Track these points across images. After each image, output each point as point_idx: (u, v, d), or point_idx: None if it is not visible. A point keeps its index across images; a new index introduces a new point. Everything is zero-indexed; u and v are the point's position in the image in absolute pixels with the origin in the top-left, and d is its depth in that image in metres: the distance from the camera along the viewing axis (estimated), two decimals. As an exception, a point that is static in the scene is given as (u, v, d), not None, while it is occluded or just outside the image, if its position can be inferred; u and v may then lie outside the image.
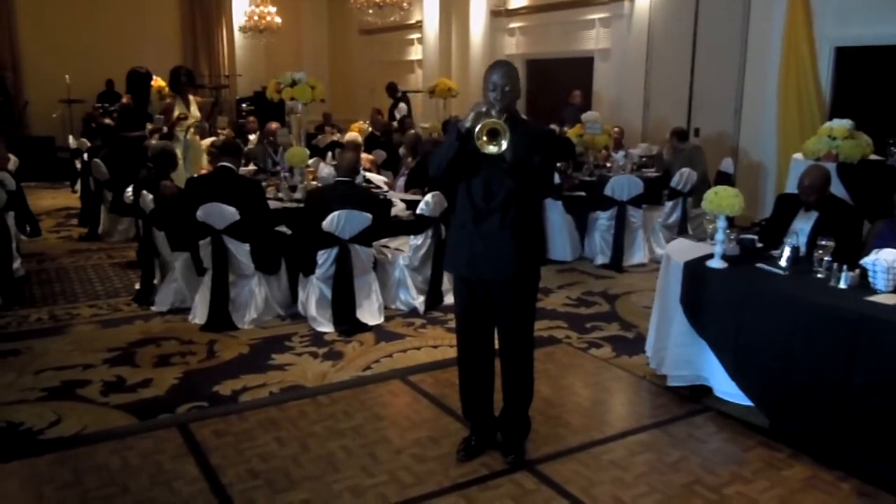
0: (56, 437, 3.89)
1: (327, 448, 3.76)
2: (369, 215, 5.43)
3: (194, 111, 7.95)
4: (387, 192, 7.04)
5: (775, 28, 8.49)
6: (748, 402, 3.96)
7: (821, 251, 3.91)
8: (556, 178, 7.34)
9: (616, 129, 9.25)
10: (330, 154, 9.72)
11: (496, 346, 3.64)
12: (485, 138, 3.10)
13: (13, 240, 6.55)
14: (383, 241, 6.04)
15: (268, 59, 16.34)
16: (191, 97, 8.06)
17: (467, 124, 3.20)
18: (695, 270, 4.17)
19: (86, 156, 9.67)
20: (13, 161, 8.05)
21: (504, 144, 3.10)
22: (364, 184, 6.87)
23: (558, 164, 7.80)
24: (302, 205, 6.02)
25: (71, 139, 11.15)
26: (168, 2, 15.83)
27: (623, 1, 10.68)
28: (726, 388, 4.08)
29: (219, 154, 6.11)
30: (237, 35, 16.15)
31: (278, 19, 14.83)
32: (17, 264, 6.60)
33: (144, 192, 5.90)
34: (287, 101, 6.71)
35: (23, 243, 7.38)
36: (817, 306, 3.61)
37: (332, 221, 5.31)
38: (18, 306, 5.99)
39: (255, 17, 14.71)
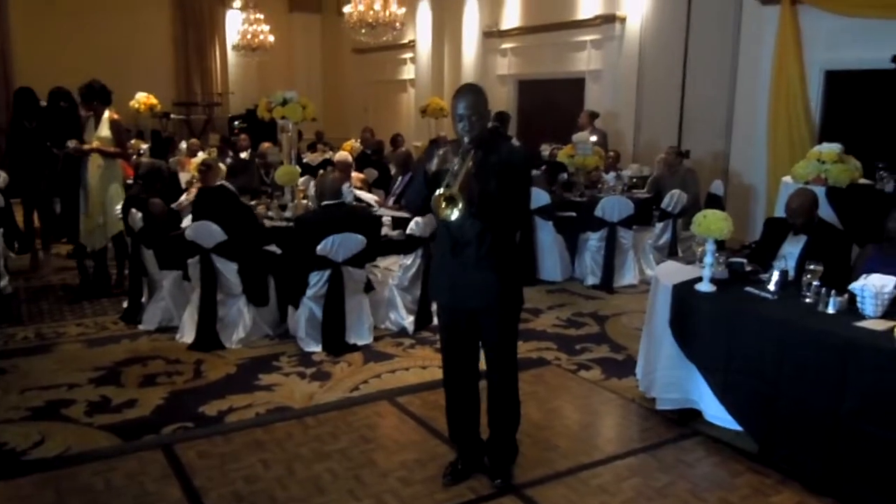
0: (40, 458, 3.85)
1: (313, 470, 3.72)
2: (363, 238, 5.42)
3: (102, 131, 6.63)
4: (376, 210, 7.04)
5: (765, 51, 8.56)
6: (737, 427, 3.95)
7: (809, 276, 3.92)
8: (547, 199, 7.36)
9: (612, 154, 9.28)
10: (322, 172, 9.73)
11: (481, 369, 3.62)
12: (443, 205, 3.02)
13: (1, 257, 6.50)
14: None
15: (260, 77, 16.38)
16: (106, 115, 6.71)
17: (433, 168, 3.18)
18: (684, 294, 4.17)
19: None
20: (2, 178, 8.00)
21: (456, 213, 3.01)
22: (354, 202, 6.87)
23: (552, 187, 7.82)
24: (292, 224, 6.00)
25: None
26: (161, 20, 15.87)
27: (614, 23, 10.75)
28: (716, 413, 4.06)
29: (226, 174, 6.22)
30: (230, 53, 16.20)
31: (271, 38, 14.89)
32: (4, 282, 6.54)
33: (133, 210, 5.88)
34: (278, 120, 6.70)
35: (10, 260, 7.32)
36: (805, 331, 3.60)
37: (327, 245, 5.28)
38: (5, 324, 5.95)
39: (249, 36, 14.77)
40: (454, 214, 3.02)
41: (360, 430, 4.18)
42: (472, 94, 3.33)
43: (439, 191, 3.02)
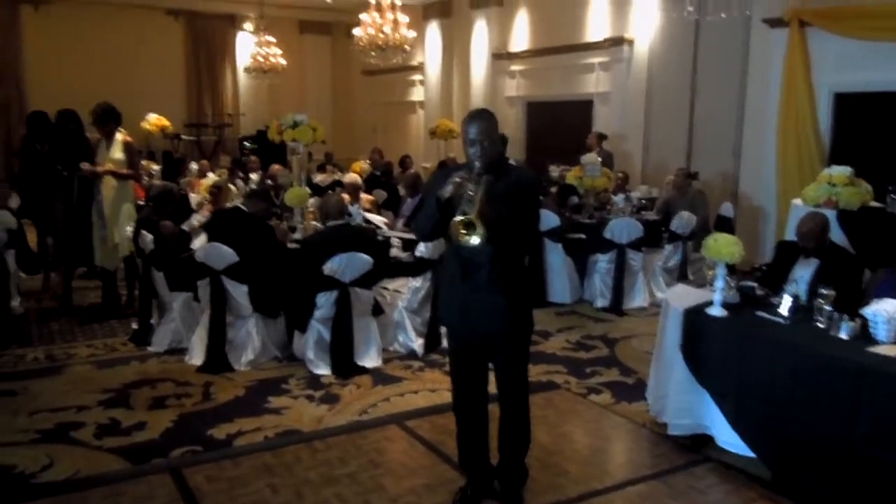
0: (49, 482, 3.85)
1: (322, 496, 3.70)
2: (370, 258, 5.43)
3: (115, 153, 6.70)
4: (385, 231, 7.05)
5: (774, 73, 8.57)
6: (750, 453, 3.91)
7: (821, 300, 3.89)
8: (557, 221, 7.36)
9: (620, 174, 9.29)
10: (330, 194, 9.76)
11: (491, 393, 3.60)
12: (462, 230, 3.01)
13: (12, 278, 6.53)
14: (382, 282, 6.03)
15: (271, 98, 16.51)
16: (119, 137, 6.76)
17: (446, 194, 3.14)
18: (694, 318, 4.15)
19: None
20: (14, 200, 8.06)
21: (477, 239, 2.99)
22: (364, 224, 6.88)
23: (562, 209, 7.82)
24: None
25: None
26: (173, 42, 16.05)
27: (622, 46, 10.81)
28: (728, 438, 4.03)
29: (245, 196, 6.24)
30: (241, 75, 16.34)
31: (282, 60, 15.00)
32: (15, 302, 6.57)
33: (144, 231, 5.90)
34: (288, 142, 6.74)
35: (22, 281, 7.35)
36: (818, 357, 3.58)
37: (334, 265, 5.30)
38: (16, 345, 5.96)
39: (260, 59, 14.88)
40: (475, 240, 3.00)
41: (369, 455, 4.16)
42: (483, 119, 3.33)
43: (458, 217, 3.02)
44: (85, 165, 6.58)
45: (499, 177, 3.26)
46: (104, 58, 14.71)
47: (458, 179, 3.16)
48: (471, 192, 3.08)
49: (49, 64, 14.32)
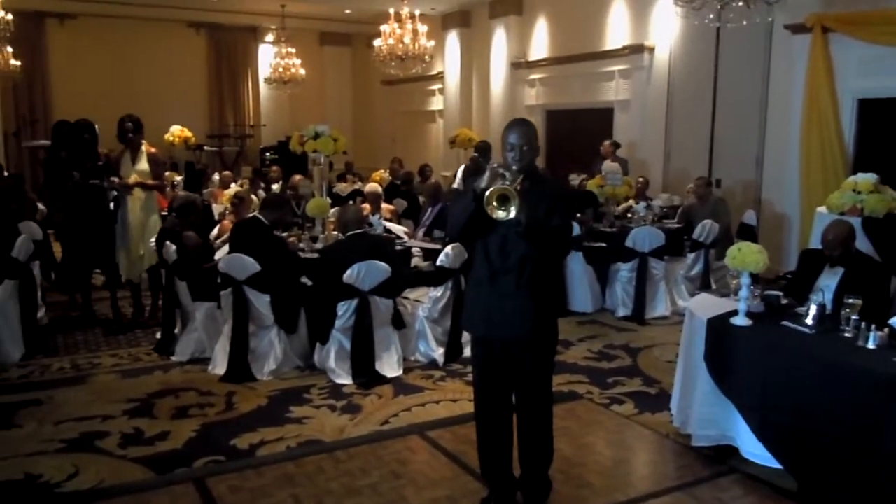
0: (73, 491, 3.88)
1: (344, 507, 3.71)
2: (388, 267, 5.44)
3: (142, 165, 6.81)
4: (405, 241, 7.07)
5: (796, 79, 8.49)
6: (776, 465, 3.86)
7: (848, 309, 3.84)
8: (577, 230, 7.33)
9: (641, 180, 9.25)
10: (352, 203, 9.80)
11: (514, 403, 3.58)
12: (494, 203, 3.03)
13: (38, 288, 6.61)
14: (403, 293, 6.04)
15: (292, 109, 16.66)
16: (143, 149, 6.87)
17: (483, 185, 3.13)
18: (718, 328, 4.11)
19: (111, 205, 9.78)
20: (41, 211, 8.18)
21: (513, 211, 3.03)
22: (385, 233, 6.91)
23: (579, 215, 7.79)
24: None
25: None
26: (196, 55, 16.26)
27: (642, 53, 10.76)
28: (753, 449, 3.97)
29: (260, 206, 6.24)
30: (262, 86, 16.49)
31: (303, 71, 15.13)
32: (41, 313, 6.66)
33: (167, 242, 5.96)
34: (310, 153, 6.78)
35: (47, 291, 7.44)
36: (845, 367, 3.52)
37: (353, 273, 5.32)
38: (42, 355, 6.03)
39: (281, 69, 15.02)
40: (510, 213, 3.03)
41: (391, 465, 4.15)
42: (525, 125, 3.43)
43: (491, 189, 3.04)
44: (114, 179, 6.69)
45: (533, 184, 3.28)
46: (128, 70, 14.95)
47: (495, 165, 3.21)
48: (507, 182, 3.11)
49: (74, 77, 14.57)
